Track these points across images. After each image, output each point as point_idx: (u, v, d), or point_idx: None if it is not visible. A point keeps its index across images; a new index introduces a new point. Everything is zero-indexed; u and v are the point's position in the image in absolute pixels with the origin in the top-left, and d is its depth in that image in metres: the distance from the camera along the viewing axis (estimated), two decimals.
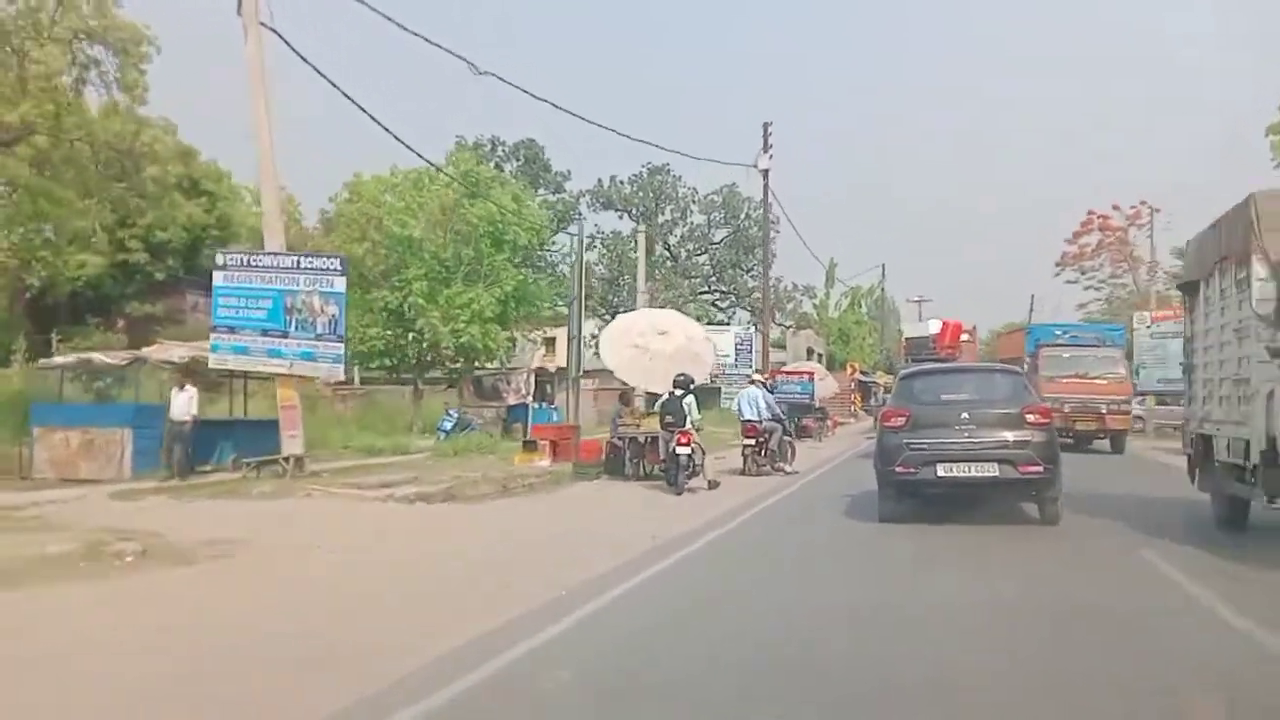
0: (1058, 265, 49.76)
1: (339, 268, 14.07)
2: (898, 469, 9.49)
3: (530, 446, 18.07)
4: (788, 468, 15.94)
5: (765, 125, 26.61)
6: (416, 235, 24.47)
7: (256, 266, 14.23)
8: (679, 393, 13.06)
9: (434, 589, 6.93)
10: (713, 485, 13.20)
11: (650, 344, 14.26)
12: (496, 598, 6.46)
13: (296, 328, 14.03)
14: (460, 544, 9.15)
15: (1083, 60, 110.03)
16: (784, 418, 16.49)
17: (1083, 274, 49.51)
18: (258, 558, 8.03)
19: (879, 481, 9.99)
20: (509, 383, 28.42)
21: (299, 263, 14.20)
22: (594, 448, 15.31)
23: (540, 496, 13.45)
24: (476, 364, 27.61)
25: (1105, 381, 21.74)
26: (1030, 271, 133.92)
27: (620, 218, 58.46)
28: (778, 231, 54.83)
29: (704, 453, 13.24)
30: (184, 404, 13.82)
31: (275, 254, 14.27)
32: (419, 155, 22.81)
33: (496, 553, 8.55)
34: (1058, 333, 25.24)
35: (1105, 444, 22.44)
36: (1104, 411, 21.32)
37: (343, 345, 14.14)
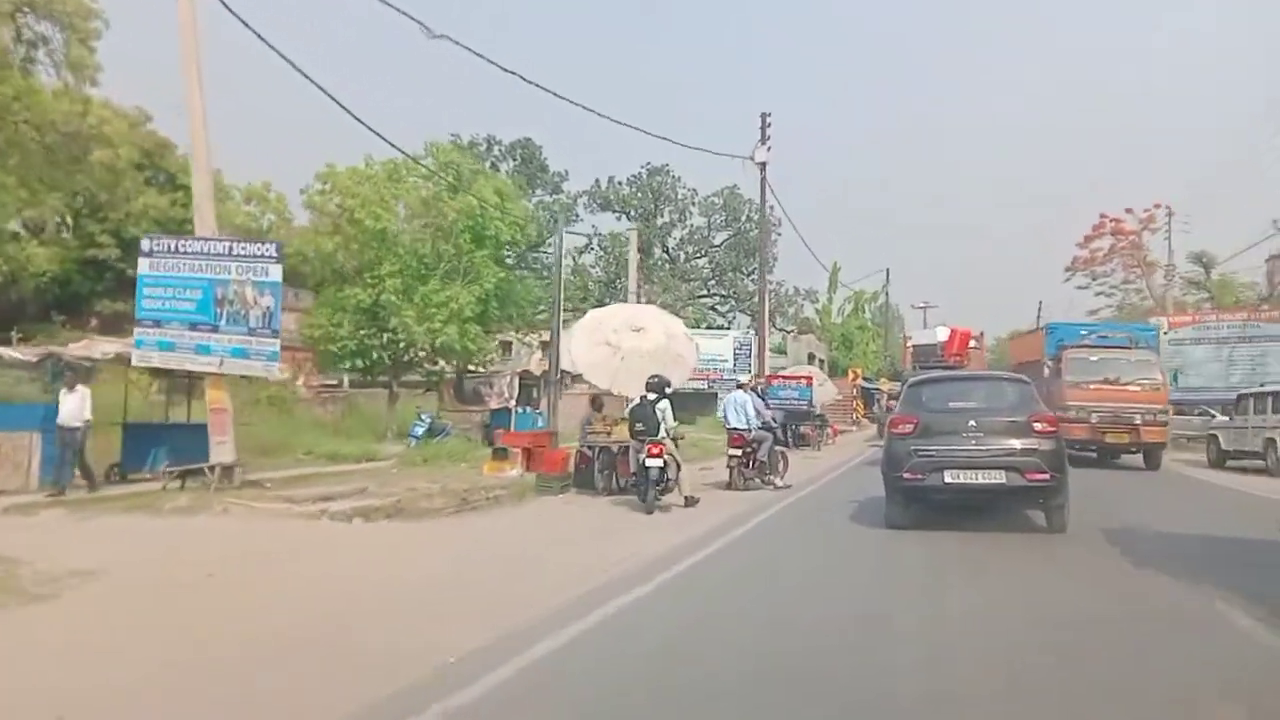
0: (1068, 270, 47.95)
1: (274, 254, 12.59)
2: (905, 475, 9.50)
3: (500, 455, 16.59)
4: (778, 481, 14.32)
5: (763, 116, 25.06)
6: (390, 229, 23.00)
7: (185, 253, 12.77)
8: (652, 397, 11.47)
9: (303, 647, 5.37)
10: (690, 502, 11.63)
11: (623, 342, 12.66)
12: (384, 658, 4.97)
13: (228, 321, 12.57)
14: (378, 573, 7.63)
15: (1094, 54, 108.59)
16: (776, 425, 14.92)
17: (1093, 279, 47.73)
18: (109, 594, 6.49)
19: (886, 487, 9.92)
20: (491, 386, 26.96)
21: (231, 249, 12.72)
22: (558, 458, 13.72)
23: (499, 512, 11.94)
24: (469, 366, 26.14)
25: (1139, 388, 19.26)
26: (1038, 277, 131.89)
27: (619, 219, 57.09)
28: (779, 234, 53.48)
29: (679, 466, 11.64)
30: (75, 407, 12.28)
31: (205, 239, 12.80)
32: (388, 142, 21.39)
33: (414, 587, 7.03)
34: (1083, 333, 22.59)
35: (1134, 458, 20.33)
36: (1138, 422, 18.91)
37: (278, 341, 12.66)
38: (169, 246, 12.95)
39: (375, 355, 24.14)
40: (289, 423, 23.60)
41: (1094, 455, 19.82)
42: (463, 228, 24.46)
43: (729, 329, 49.78)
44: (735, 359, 43.35)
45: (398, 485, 14.16)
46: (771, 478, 14.31)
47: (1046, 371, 21.03)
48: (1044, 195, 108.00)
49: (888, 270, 56.67)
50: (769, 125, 24.95)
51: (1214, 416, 26.17)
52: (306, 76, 13.87)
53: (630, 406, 11.69)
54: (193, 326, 12.64)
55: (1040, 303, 53.27)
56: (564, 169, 55.94)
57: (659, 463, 10.98)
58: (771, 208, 52.60)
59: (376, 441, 22.58)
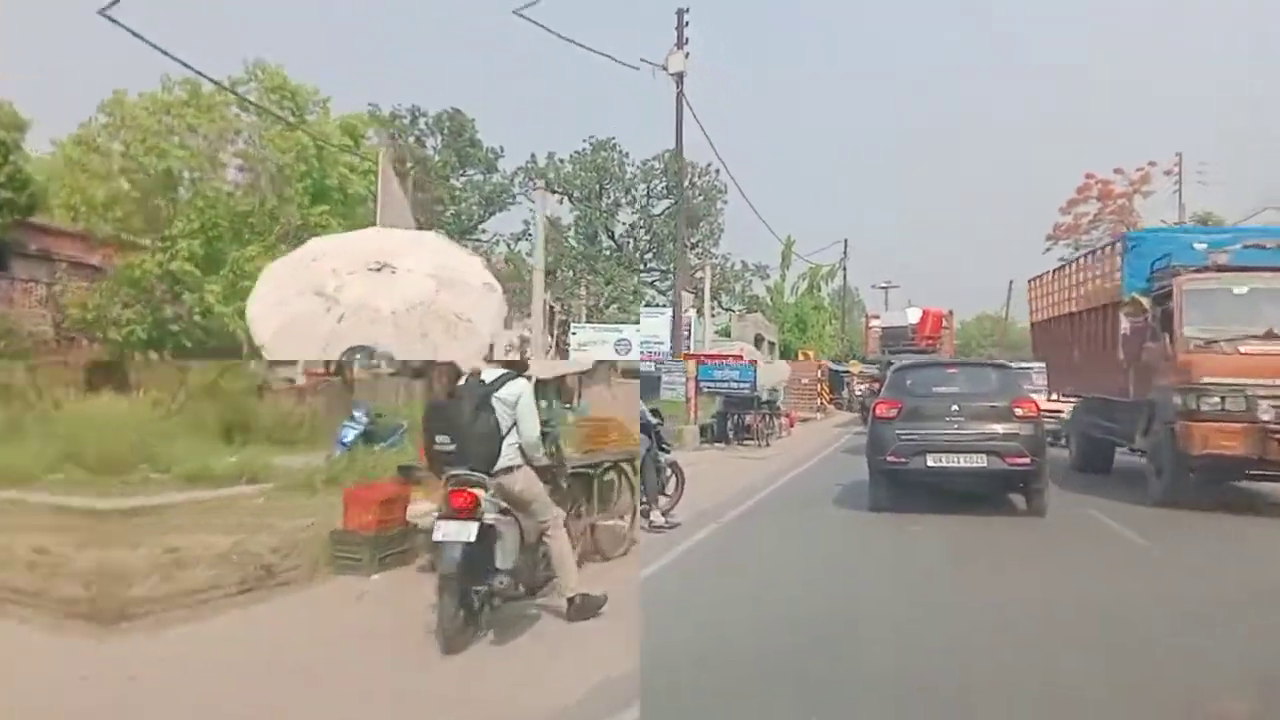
0: (1049, 239, 42.80)
1: None
2: (889, 458, 9.96)
3: (407, 473, 10.24)
4: (657, 515, 8.77)
5: (680, 14, 19.34)
6: (177, 170, 17.23)
7: None
8: (489, 376, 4.39)
9: None
10: (579, 611, 4.36)
11: (346, 291, 5.83)
12: None
13: None
14: None
15: (1074, 39, 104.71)
16: (656, 422, 9.43)
17: (1077, 249, 42.82)
18: None
19: (870, 470, 10.41)
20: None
21: None
22: (370, 500, 6.35)
23: (243, 615, 5.83)
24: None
25: None
26: (1009, 254, 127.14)
27: (560, 201, 51.21)
28: (725, 202, 48.15)
29: (538, 534, 4.48)
30: None
31: None
32: (185, 65, 15.44)
33: None
34: (1204, 246, 11.46)
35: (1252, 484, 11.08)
36: None
37: None
38: None
39: (177, 342, 18.37)
40: (201, 422, 17.78)
41: (1187, 473, 10.65)
42: (297, 174, 18.79)
43: (668, 307, 44.43)
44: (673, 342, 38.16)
45: (180, 539, 8.24)
46: (649, 508, 8.77)
47: (1126, 327, 11.93)
48: (1021, 172, 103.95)
49: (845, 241, 51.49)
50: (686, 25, 19.33)
51: None
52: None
53: (429, 401, 4.80)
54: None
55: (1010, 283, 48.14)
56: (499, 145, 50.34)
57: (471, 531, 4.14)
58: (717, 170, 47.15)
59: (287, 450, 16.82)
